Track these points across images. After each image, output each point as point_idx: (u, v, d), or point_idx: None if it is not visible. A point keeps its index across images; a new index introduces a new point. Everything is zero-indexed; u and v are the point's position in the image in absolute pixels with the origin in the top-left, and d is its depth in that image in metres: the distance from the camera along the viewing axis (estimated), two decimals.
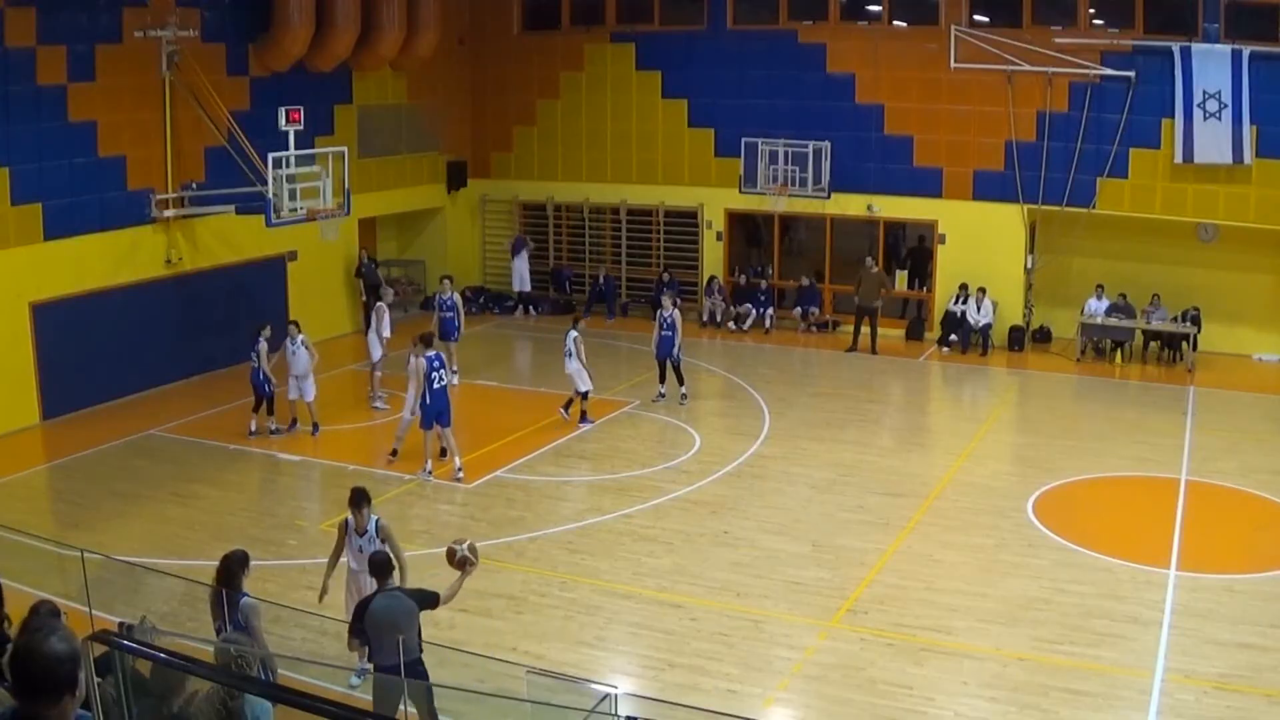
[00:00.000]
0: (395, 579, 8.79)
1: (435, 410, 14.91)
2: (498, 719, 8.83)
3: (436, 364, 14.95)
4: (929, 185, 22.85)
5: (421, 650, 8.57)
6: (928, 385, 21.49)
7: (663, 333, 18.31)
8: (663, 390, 18.69)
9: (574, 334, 17.32)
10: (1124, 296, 21.69)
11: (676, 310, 18.43)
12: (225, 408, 18.27)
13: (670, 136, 24.83)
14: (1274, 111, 19.99)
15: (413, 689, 8.44)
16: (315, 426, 16.84)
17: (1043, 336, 22.85)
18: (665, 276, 24.84)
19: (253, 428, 16.78)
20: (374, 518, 10.16)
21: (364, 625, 8.46)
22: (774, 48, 23.68)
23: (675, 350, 18.29)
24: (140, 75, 18.55)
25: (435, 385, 14.85)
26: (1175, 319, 21.38)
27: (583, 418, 17.37)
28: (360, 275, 23.24)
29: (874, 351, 22.15)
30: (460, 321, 19.64)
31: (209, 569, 11.55)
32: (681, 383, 18.55)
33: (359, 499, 10.16)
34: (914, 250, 24.41)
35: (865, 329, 22.32)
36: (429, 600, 8.67)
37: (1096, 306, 21.75)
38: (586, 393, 17.33)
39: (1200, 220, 21.33)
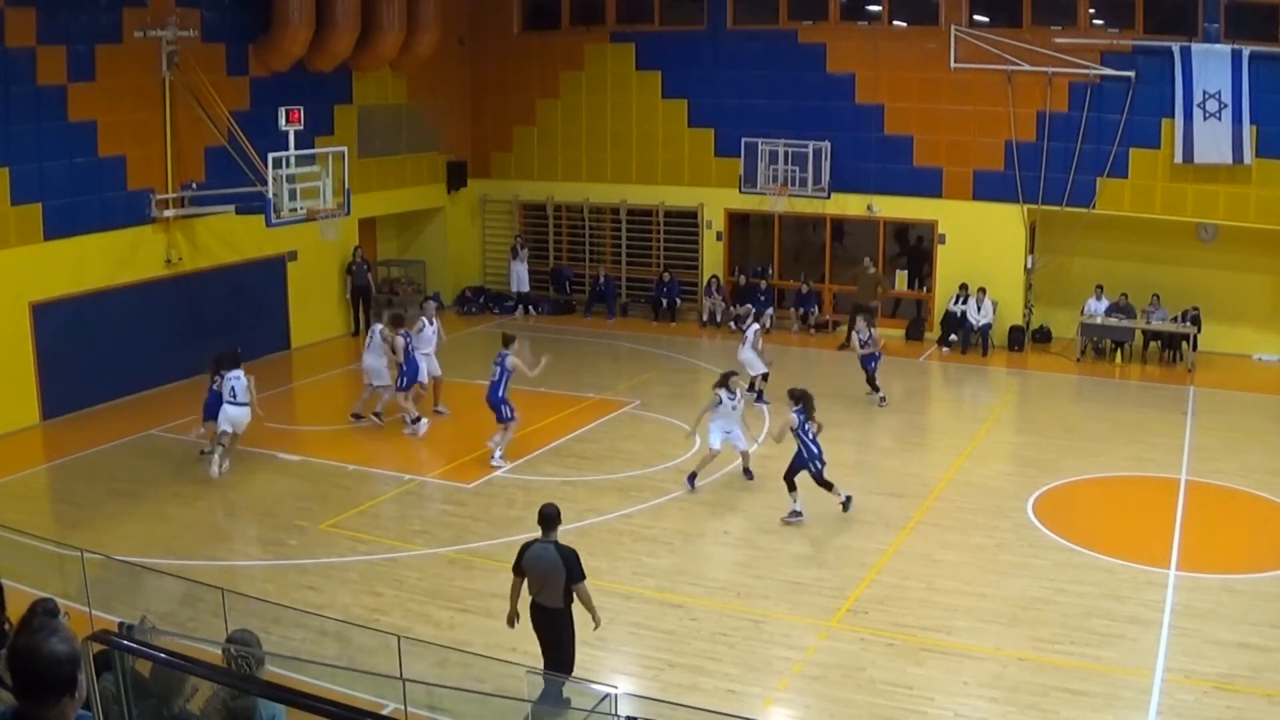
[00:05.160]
0: (556, 534, 9.39)
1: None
2: (498, 719, 8.82)
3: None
4: (929, 185, 22.84)
5: (570, 601, 9.27)
6: (928, 385, 21.49)
7: (861, 352, 18.69)
8: (881, 395, 18.76)
9: (756, 327, 19.12)
10: (1124, 296, 21.68)
11: (874, 329, 18.87)
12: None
13: (670, 136, 24.82)
14: (1274, 111, 19.98)
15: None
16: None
17: (1043, 336, 22.84)
18: (665, 276, 24.86)
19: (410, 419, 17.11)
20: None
21: (523, 564, 9.35)
22: (774, 48, 23.67)
23: (874, 365, 18.74)
24: (140, 75, 18.55)
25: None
26: (1175, 319, 21.38)
27: (759, 397, 18.41)
28: (349, 273, 23.27)
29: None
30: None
31: (209, 569, 11.63)
32: (877, 389, 18.73)
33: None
34: (913, 249, 24.40)
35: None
36: (575, 572, 9.21)
37: (1096, 306, 21.74)
38: (765, 375, 18.56)
39: (1200, 220, 21.33)
